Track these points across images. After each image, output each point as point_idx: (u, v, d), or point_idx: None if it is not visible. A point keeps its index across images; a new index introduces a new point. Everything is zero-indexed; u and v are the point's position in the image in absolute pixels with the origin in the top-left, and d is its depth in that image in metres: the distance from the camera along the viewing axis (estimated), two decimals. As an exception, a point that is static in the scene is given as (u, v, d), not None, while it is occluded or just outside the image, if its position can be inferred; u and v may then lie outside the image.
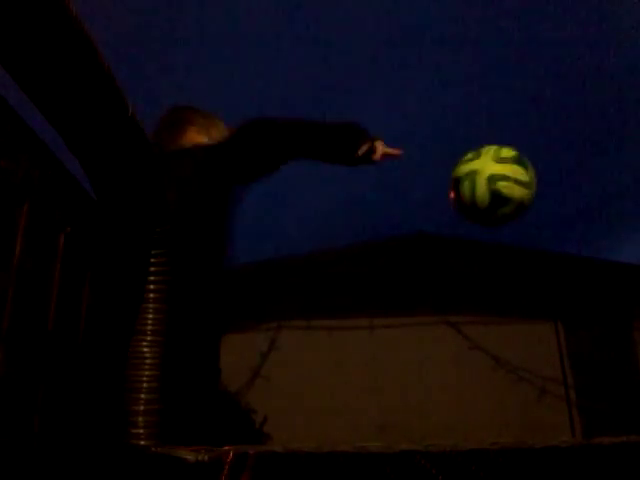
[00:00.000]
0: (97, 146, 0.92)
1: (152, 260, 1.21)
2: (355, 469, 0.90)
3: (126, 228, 1.15)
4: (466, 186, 1.36)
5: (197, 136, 1.74)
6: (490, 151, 1.38)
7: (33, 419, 0.79)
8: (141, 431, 1.08)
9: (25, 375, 0.78)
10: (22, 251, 0.75)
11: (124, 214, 1.12)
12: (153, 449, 1.05)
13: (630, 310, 6.77)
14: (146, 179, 1.11)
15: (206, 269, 1.54)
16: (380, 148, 1.61)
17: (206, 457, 0.92)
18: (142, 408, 1.10)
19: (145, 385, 1.12)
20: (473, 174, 1.37)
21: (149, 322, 1.17)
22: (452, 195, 1.44)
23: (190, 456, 0.93)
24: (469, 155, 1.42)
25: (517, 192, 1.34)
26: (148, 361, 1.14)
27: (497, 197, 1.33)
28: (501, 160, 1.36)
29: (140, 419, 1.09)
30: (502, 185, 1.33)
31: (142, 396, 1.11)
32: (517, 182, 1.33)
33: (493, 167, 1.36)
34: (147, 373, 1.13)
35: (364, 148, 1.56)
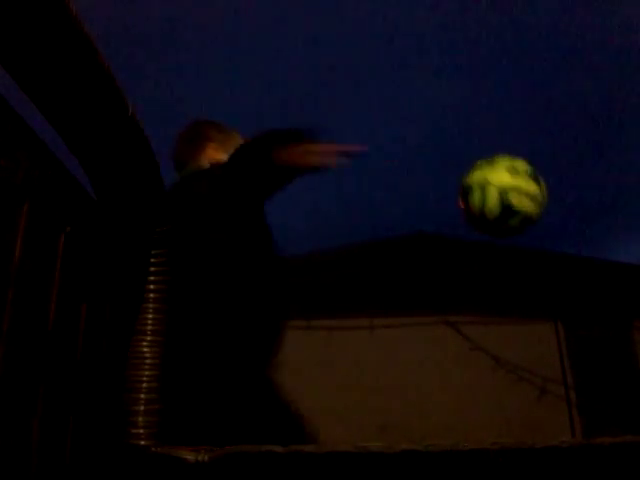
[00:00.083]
0: (97, 146, 0.92)
1: (152, 260, 1.21)
2: (355, 469, 0.90)
3: (126, 228, 1.15)
4: (476, 196, 1.33)
5: (215, 153, 1.73)
6: (504, 162, 1.36)
7: (33, 419, 0.79)
8: (141, 431, 1.08)
9: (25, 375, 0.78)
10: (22, 251, 0.75)
11: (124, 214, 1.12)
12: (153, 449, 1.05)
13: (630, 310, 6.78)
14: (146, 179, 1.11)
15: (207, 270, 1.54)
16: (310, 149, 1.40)
17: (206, 457, 0.92)
18: (142, 408, 1.10)
19: (145, 385, 1.12)
20: (485, 184, 1.34)
21: (149, 322, 1.17)
22: (461, 204, 1.41)
23: (190, 456, 0.93)
24: (481, 164, 1.40)
25: (527, 206, 1.32)
26: (148, 361, 1.14)
27: (507, 209, 1.31)
28: (514, 172, 1.35)
29: (140, 419, 1.09)
30: (513, 197, 1.31)
31: (142, 396, 1.11)
32: (528, 196, 1.32)
33: (506, 178, 1.33)
34: (147, 373, 1.13)
35: (284, 154, 1.39)
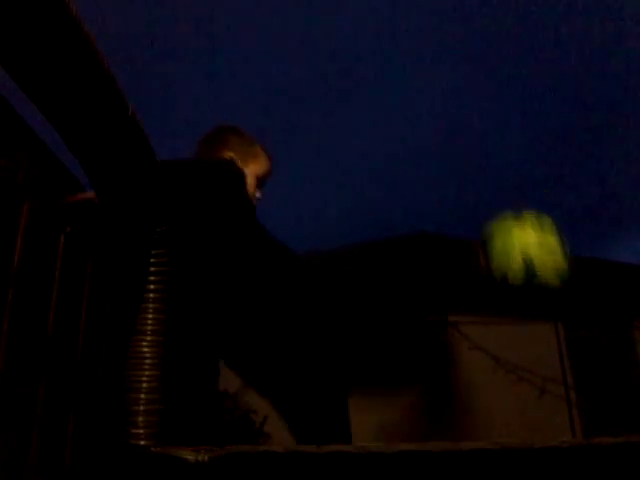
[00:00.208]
0: (97, 146, 0.92)
1: (152, 260, 1.21)
2: (355, 469, 0.90)
3: (126, 228, 1.15)
4: (501, 259, 1.29)
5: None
6: (531, 221, 1.30)
7: (33, 419, 0.79)
8: (141, 431, 1.08)
9: (25, 376, 0.78)
10: (22, 251, 0.75)
11: (124, 214, 1.12)
12: (153, 449, 1.05)
13: (630, 310, 6.77)
14: (146, 179, 1.11)
15: (207, 271, 1.53)
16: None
17: (206, 457, 0.92)
18: (142, 408, 1.10)
19: (145, 385, 1.12)
20: (510, 249, 1.28)
21: (149, 322, 1.17)
22: (482, 261, 1.36)
23: (190, 456, 0.93)
24: (507, 220, 1.31)
25: (550, 270, 1.29)
26: (148, 361, 1.14)
27: (531, 274, 1.28)
28: (540, 232, 1.29)
29: (140, 419, 1.09)
30: (538, 263, 1.26)
31: (142, 396, 1.11)
32: (552, 260, 1.27)
33: (532, 239, 1.28)
34: (147, 373, 1.13)
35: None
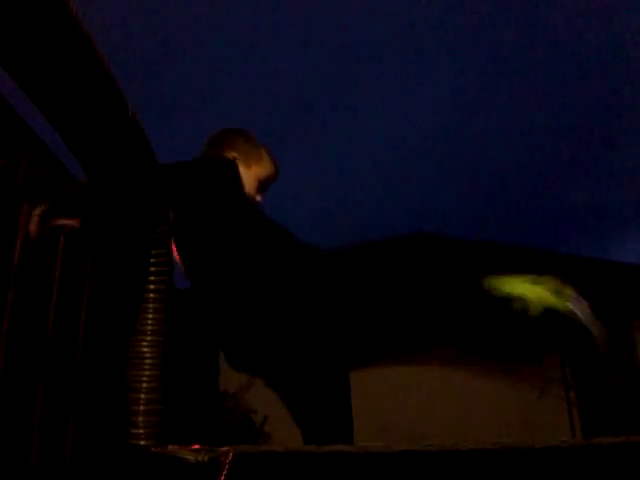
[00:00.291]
0: (97, 146, 0.92)
1: (152, 260, 1.21)
2: (355, 469, 0.90)
3: (126, 228, 1.15)
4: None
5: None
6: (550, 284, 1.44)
7: (33, 419, 0.79)
8: (141, 431, 1.08)
9: (25, 376, 0.78)
10: (22, 251, 0.75)
11: (124, 214, 1.12)
12: (153, 449, 1.05)
13: (630, 310, 6.77)
14: (146, 179, 1.12)
15: (206, 267, 1.53)
16: None
17: (206, 457, 0.92)
18: (142, 408, 1.10)
19: (145, 385, 1.12)
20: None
21: (149, 322, 1.17)
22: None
23: (190, 456, 0.93)
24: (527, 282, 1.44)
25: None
26: (148, 361, 1.14)
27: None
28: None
29: (140, 419, 1.09)
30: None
31: (142, 396, 1.11)
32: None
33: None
34: (147, 373, 1.13)
35: None
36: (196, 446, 0.96)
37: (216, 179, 1.48)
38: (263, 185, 1.70)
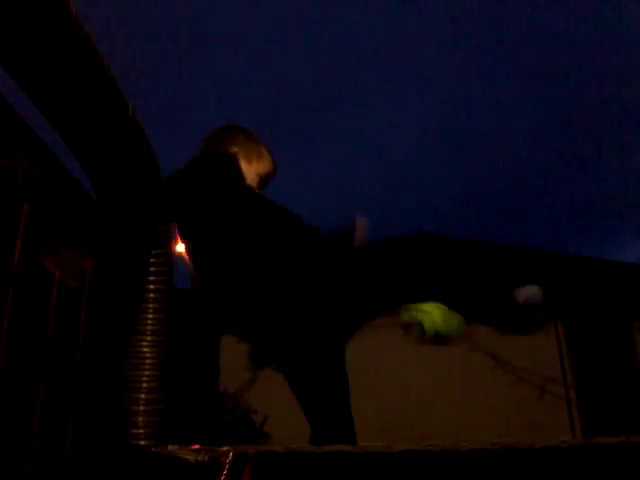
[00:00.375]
0: (97, 146, 0.92)
1: (152, 260, 1.21)
2: (355, 469, 0.90)
3: (126, 228, 1.15)
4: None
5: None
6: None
7: (33, 419, 0.79)
8: (141, 431, 1.08)
9: (25, 376, 0.78)
10: (22, 251, 0.75)
11: (124, 214, 1.12)
12: (153, 449, 1.05)
13: (630, 310, 6.77)
14: (146, 179, 1.11)
15: (208, 268, 1.54)
16: None
17: (206, 457, 0.92)
18: (142, 408, 1.10)
19: (145, 385, 1.12)
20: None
21: (149, 322, 1.17)
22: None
23: (190, 456, 0.93)
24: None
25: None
26: (148, 361, 1.14)
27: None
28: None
29: (140, 419, 1.09)
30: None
31: (142, 396, 1.11)
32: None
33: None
34: (147, 373, 1.13)
35: None
36: (196, 446, 0.96)
37: (217, 173, 1.50)
38: (263, 181, 1.72)
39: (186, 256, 1.53)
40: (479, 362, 6.35)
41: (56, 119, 0.82)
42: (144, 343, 1.15)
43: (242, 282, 1.45)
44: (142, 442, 1.06)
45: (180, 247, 1.53)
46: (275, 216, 1.56)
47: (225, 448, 0.94)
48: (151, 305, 1.18)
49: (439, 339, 1.59)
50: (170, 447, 1.03)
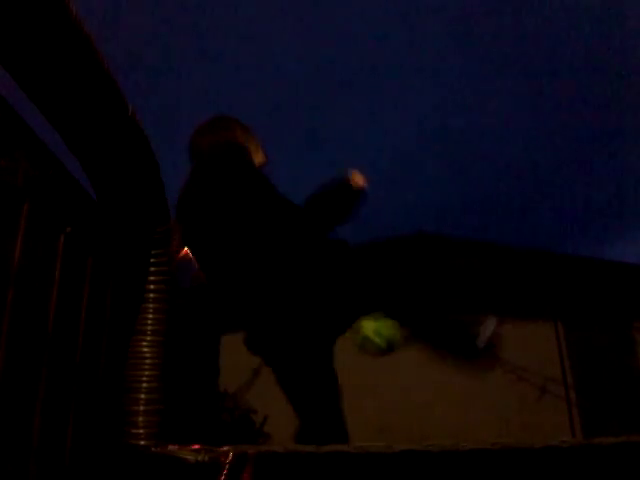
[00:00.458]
0: (97, 146, 0.92)
1: (152, 260, 1.21)
2: (355, 469, 0.90)
3: (126, 228, 1.15)
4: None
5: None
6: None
7: (33, 419, 0.79)
8: (141, 431, 1.08)
9: (25, 376, 0.78)
10: (22, 251, 0.75)
11: (124, 214, 1.12)
12: (153, 449, 1.05)
13: (630, 310, 6.77)
14: (146, 179, 1.11)
15: (208, 268, 1.54)
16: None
17: (206, 457, 0.92)
18: (142, 408, 1.10)
19: (145, 385, 1.12)
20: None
21: (149, 322, 1.17)
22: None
23: (190, 456, 0.93)
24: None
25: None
26: (148, 361, 1.14)
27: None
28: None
29: (140, 419, 1.09)
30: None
31: (142, 396, 1.11)
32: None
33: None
34: (147, 373, 1.13)
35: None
36: (196, 446, 0.96)
37: (243, 166, 1.54)
38: None
39: (190, 256, 1.54)
40: (479, 362, 6.34)
41: (56, 119, 0.82)
42: (144, 343, 1.15)
43: (244, 278, 1.46)
44: (142, 442, 1.06)
45: (184, 248, 1.54)
46: (285, 212, 1.57)
47: (225, 448, 0.94)
48: (151, 305, 1.18)
49: (390, 347, 1.67)
50: (170, 447, 1.03)
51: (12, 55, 0.69)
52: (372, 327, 1.65)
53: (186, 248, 1.55)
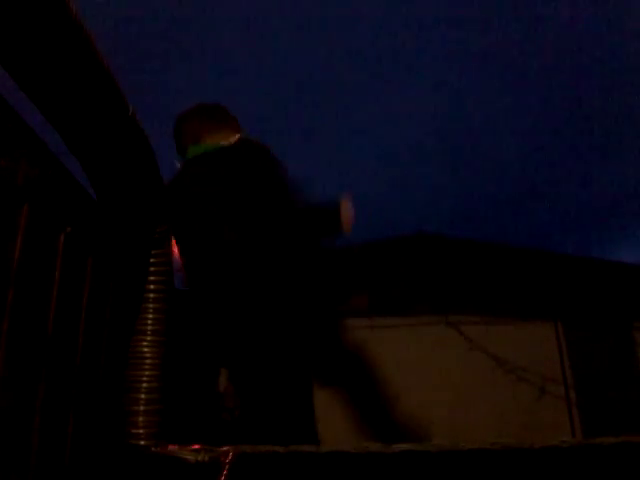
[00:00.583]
0: (97, 146, 0.92)
1: (152, 260, 1.21)
2: (355, 469, 0.90)
3: (126, 228, 1.15)
4: None
5: (228, 136, 1.75)
6: None
7: (33, 419, 0.79)
8: (141, 431, 1.08)
9: (25, 376, 0.78)
10: (22, 251, 0.75)
11: (124, 214, 1.12)
12: (153, 449, 1.05)
13: (630, 310, 6.77)
14: (146, 179, 1.11)
15: (207, 268, 1.54)
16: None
17: (206, 457, 0.92)
18: (142, 408, 1.10)
19: (145, 385, 1.12)
20: None
21: (149, 322, 1.17)
22: None
23: (190, 456, 0.93)
24: None
25: None
26: (148, 361, 1.14)
27: None
28: None
29: (140, 419, 1.09)
30: None
31: (142, 396, 1.11)
32: None
33: None
34: (147, 373, 1.13)
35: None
36: (196, 446, 0.96)
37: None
38: None
39: (177, 255, 1.55)
40: (479, 362, 6.35)
41: (56, 119, 0.82)
42: (144, 343, 1.15)
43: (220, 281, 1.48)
44: (142, 442, 1.07)
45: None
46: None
47: (225, 448, 0.94)
48: (151, 305, 1.18)
49: None
50: (170, 447, 1.03)
51: (12, 55, 0.69)
52: None
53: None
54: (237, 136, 1.74)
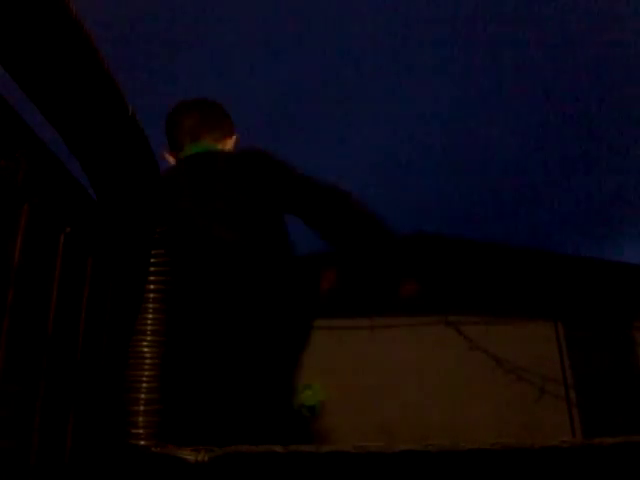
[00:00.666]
0: (97, 146, 0.92)
1: (152, 260, 1.21)
2: (355, 469, 0.90)
3: (126, 228, 1.15)
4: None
5: (227, 137, 1.76)
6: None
7: (33, 419, 0.79)
8: (141, 431, 1.08)
9: (25, 376, 0.78)
10: (22, 251, 0.75)
11: (124, 214, 1.12)
12: (153, 449, 1.05)
13: (630, 310, 6.78)
14: (146, 179, 1.11)
15: (206, 268, 1.54)
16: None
17: (206, 457, 0.92)
18: (142, 408, 1.10)
19: (145, 385, 1.12)
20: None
21: (149, 322, 1.17)
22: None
23: (190, 456, 0.93)
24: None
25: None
26: (148, 361, 1.14)
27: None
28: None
29: (140, 419, 1.09)
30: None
31: (142, 396, 1.11)
32: None
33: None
34: (147, 373, 1.13)
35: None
36: (196, 446, 0.96)
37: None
38: None
39: None
40: (479, 362, 6.35)
41: (56, 119, 0.82)
42: (144, 343, 1.15)
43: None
44: (142, 442, 1.06)
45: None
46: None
47: (225, 448, 0.94)
48: (151, 305, 1.18)
49: (313, 413, 1.95)
50: (170, 447, 1.03)
51: (12, 55, 0.69)
52: (299, 400, 1.97)
53: None
54: (234, 138, 1.74)
